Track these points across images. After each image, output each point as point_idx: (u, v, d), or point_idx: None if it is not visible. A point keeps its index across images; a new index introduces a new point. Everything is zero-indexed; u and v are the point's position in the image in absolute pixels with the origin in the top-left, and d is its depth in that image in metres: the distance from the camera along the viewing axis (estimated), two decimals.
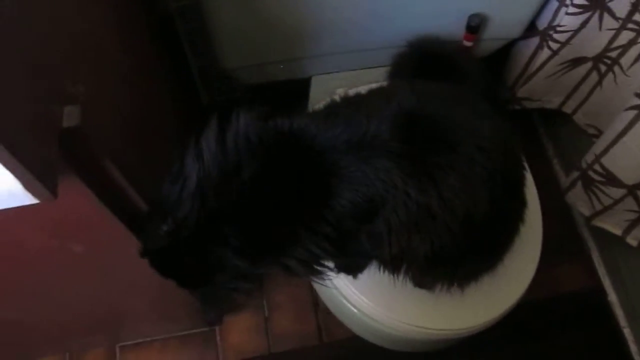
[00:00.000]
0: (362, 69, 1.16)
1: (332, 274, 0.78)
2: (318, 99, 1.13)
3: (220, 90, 1.41)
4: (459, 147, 0.71)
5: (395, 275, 0.84)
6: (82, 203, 0.59)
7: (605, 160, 1.07)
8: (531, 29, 1.17)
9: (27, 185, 0.45)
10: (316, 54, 1.11)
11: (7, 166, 0.42)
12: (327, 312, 1.32)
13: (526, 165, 0.90)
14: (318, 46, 1.08)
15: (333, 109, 0.74)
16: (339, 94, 1.10)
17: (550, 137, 1.55)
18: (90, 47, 0.63)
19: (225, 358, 1.30)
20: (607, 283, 1.39)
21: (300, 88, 1.21)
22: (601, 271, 1.40)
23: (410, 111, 0.70)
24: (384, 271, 0.85)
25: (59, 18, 0.55)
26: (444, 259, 0.79)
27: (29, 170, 0.44)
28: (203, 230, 0.62)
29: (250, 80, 1.19)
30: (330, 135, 0.68)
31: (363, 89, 0.80)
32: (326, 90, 1.14)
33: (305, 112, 0.77)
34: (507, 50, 1.28)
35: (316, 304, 1.34)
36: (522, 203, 0.87)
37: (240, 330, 1.33)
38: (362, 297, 0.94)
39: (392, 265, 0.82)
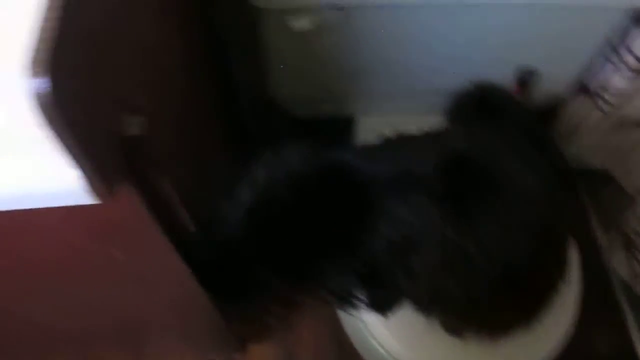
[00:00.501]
0: (409, 113, 1.17)
1: (362, 309, 0.78)
2: (363, 138, 1.15)
3: (268, 121, 1.45)
4: (503, 196, 0.71)
5: (427, 317, 0.83)
6: (131, 211, 0.61)
7: None
8: (583, 88, 1.17)
9: (89, 185, 0.47)
10: (365, 93, 1.13)
11: (76, 162, 0.44)
12: (351, 351, 1.30)
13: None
14: (368, 86, 1.10)
15: (380, 145, 0.75)
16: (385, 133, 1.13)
17: (590, 196, 1.53)
18: (156, 63, 0.66)
19: None
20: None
21: (346, 125, 1.23)
22: (635, 336, 1.35)
23: (458, 154, 0.71)
24: (416, 312, 0.84)
25: (135, 33, 0.57)
26: (477, 306, 0.78)
27: (94, 170, 0.46)
28: (249, 249, 0.63)
29: (298, 113, 1.21)
30: (374, 170, 0.68)
31: (415, 130, 0.81)
32: (372, 130, 1.15)
33: (351, 146, 0.78)
34: (557, 107, 1.28)
35: (341, 343, 1.32)
36: (563, 261, 0.86)
37: None
38: (390, 337, 0.93)
39: (425, 306, 0.81)
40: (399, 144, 0.75)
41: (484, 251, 0.70)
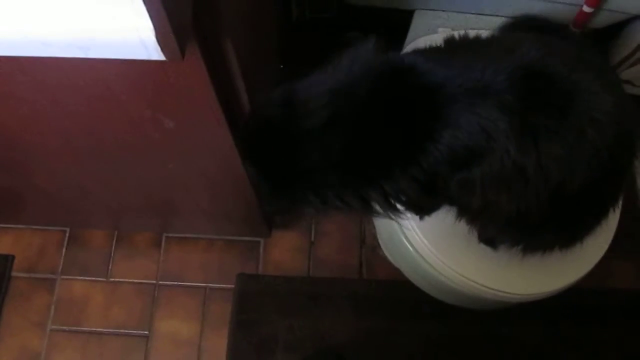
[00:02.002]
0: (468, 12, 1.11)
1: (403, 213, 0.77)
2: (417, 34, 1.09)
3: (312, 7, 1.38)
4: (572, 115, 0.67)
5: (470, 226, 0.82)
6: (192, 76, 0.58)
7: None
8: None
9: (161, 39, 0.45)
10: None
11: (151, 11, 0.41)
12: (372, 250, 1.32)
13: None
14: None
15: (450, 49, 0.71)
16: (441, 33, 1.07)
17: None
18: None
19: (265, 271, 1.33)
20: None
21: (398, 19, 1.17)
22: None
23: (532, 66, 0.67)
24: (459, 219, 0.83)
25: None
26: (524, 222, 0.77)
27: (170, 22, 0.43)
28: (314, 132, 0.61)
29: (348, 0, 1.15)
30: (443, 76, 0.65)
31: (483, 33, 0.76)
32: (428, 27, 1.09)
33: (422, 50, 0.74)
34: (620, 27, 1.20)
35: (363, 240, 1.35)
36: (619, 189, 0.84)
37: (284, 248, 1.35)
38: (422, 237, 0.93)
39: (471, 216, 0.80)
40: (470, 49, 0.71)
41: (542, 172, 0.68)
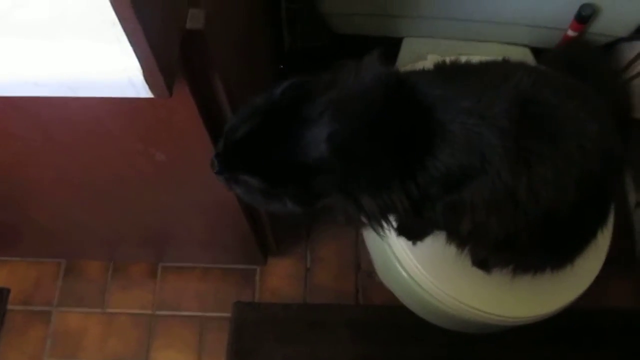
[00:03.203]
0: (456, 39, 1.13)
1: (391, 233, 0.78)
2: (407, 61, 1.11)
3: (304, 37, 1.40)
4: (561, 141, 0.69)
5: (459, 250, 0.83)
6: (181, 110, 0.60)
7: None
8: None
9: (149, 77, 0.46)
10: (414, 14, 1.08)
11: (138, 51, 0.43)
12: (368, 275, 1.32)
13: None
14: (418, 7, 1.06)
15: (443, 73, 0.73)
16: (430, 59, 1.09)
17: (628, 149, 1.49)
18: None
19: (261, 298, 1.33)
20: None
21: (388, 46, 1.19)
22: None
23: (525, 93, 0.69)
24: (449, 244, 0.84)
25: None
26: (513, 245, 0.77)
27: (156, 61, 0.44)
28: (320, 133, 0.61)
29: (341, 29, 1.17)
30: (442, 95, 0.67)
31: (474, 59, 0.78)
32: (417, 53, 1.11)
33: (421, 70, 0.76)
34: (608, 49, 1.23)
35: (358, 265, 1.35)
36: (606, 212, 0.85)
37: (280, 275, 1.35)
38: (415, 263, 0.94)
39: (460, 239, 0.81)
40: (465, 73, 0.72)
41: (532, 195, 0.69)
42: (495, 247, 0.80)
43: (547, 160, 0.68)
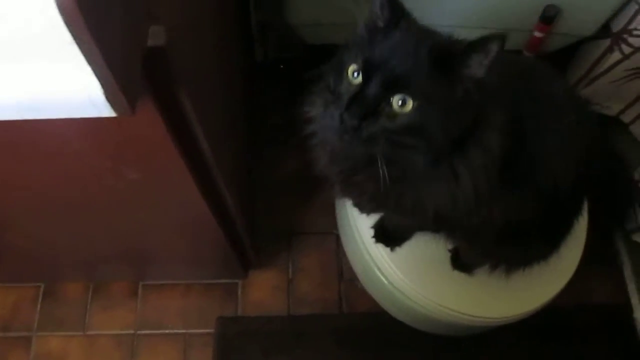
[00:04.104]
0: None
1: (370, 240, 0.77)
2: None
3: (276, 48, 1.41)
4: (559, 116, 0.74)
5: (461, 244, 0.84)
6: (148, 127, 0.59)
7: None
8: (605, 29, 1.14)
9: (110, 96, 0.45)
10: None
11: (97, 70, 0.42)
12: (351, 283, 1.32)
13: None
14: None
15: None
16: None
17: (602, 144, 1.52)
18: None
19: (244, 312, 1.32)
20: (635, 300, 1.36)
21: None
22: (631, 287, 1.37)
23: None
24: (451, 244, 0.84)
25: None
26: (509, 237, 0.78)
27: (116, 81, 0.44)
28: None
29: (311, 40, 1.18)
30: None
31: None
32: None
33: None
34: (574, 48, 1.25)
35: (341, 274, 1.35)
36: (582, 199, 0.86)
37: (263, 287, 1.34)
38: (395, 269, 0.94)
39: (466, 235, 0.81)
40: None
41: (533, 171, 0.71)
42: (495, 242, 0.81)
43: (542, 137, 0.70)
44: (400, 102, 0.59)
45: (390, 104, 0.59)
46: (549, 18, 1.05)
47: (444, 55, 0.59)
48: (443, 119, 0.60)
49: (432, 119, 0.60)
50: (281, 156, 1.46)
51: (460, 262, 0.92)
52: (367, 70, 0.60)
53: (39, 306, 1.35)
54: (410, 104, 0.59)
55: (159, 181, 0.74)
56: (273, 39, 1.35)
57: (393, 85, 0.59)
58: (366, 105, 0.60)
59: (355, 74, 0.61)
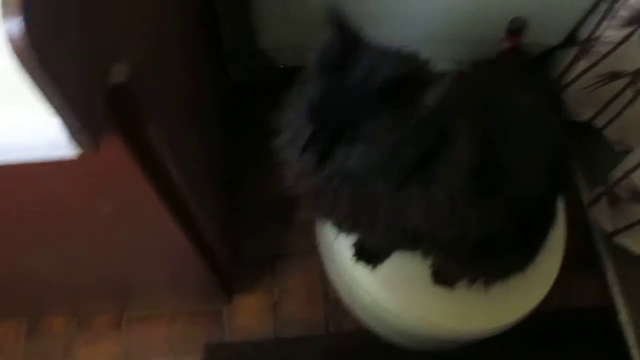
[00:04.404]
0: None
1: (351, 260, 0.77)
2: None
3: (249, 72, 1.41)
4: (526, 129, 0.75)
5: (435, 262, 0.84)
6: (118, 162, 0.59)
7: (634, 178, 1.05)
8: (571, 38, 1.16)
9: (72, 136, 0.45)
10: None
11: (58, 112, 0.42)
12: (337, 303, 1.32)
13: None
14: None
15: None
16: None
17: (576, 150, 1.53)
18: (141, 9, 0.63)
19: (231, 338, 1.31)
20: (620, 302, 1.37)
21: None
22: (615, 290, 1.38)
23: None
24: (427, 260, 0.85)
25: None
26: (484, 251, 0.79)
27: (77, 120, 0.44)
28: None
29: (282, 62, 1.19)
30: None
31: None
32: None
33: None
34: (544, 58, 1.27)
35: (326, 294, 1.34)
36: (555, 206, 0.87)
37: (248, 312, 1.33)
38: (378, 286, 0.94)
39: (440, 248, 0.81)
40: None
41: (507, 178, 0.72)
42: (470, 255, 0.81)
43: (513, 149, 0.71)
44: (348, 150, 0.60)
45: (342, 150, 0.60)
46: (515, 30, 1.06)
47: (396, 89, 0.59)
48: (398, 150, 0.61)
49: (386, 155, 0.61)
50: (262, 177, 1.45)
51: (441, 277, 0.92)
52: (314, 118, 0.61)
53: (22, 343, 1.33)
54: (359, 149, 0.60)
55: (133, 214, 0.74)
56: (246, 63, 1.35)
57: (339, 135, 0.60)
58: (319, 151, 0.61)
59: (305, 117, 0.62)
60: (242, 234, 1.39)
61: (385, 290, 0.94)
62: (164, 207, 0.70)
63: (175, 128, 0.72)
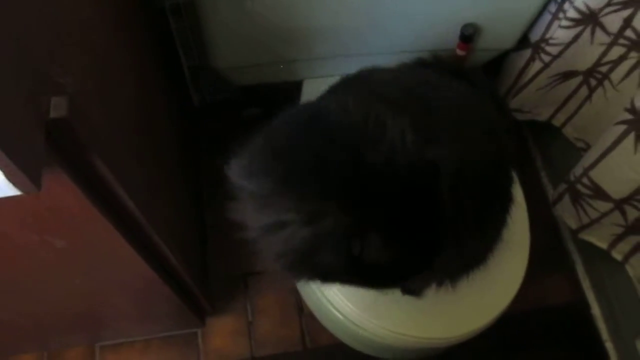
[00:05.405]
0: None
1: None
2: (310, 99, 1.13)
3: (212, 91, 1.41)
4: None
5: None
6: (66, 197, 0.58)
7: (593, 174, 1.07)
8: (524, 41, 1.18)
9: (10, 176, 0.44)
10: (309, 57, 1.11)
11: None
12: (312, 317, 1.31)
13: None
14: (312, 50, 1.08)
15: None
16: None
17: (539, 150, 1.56)
18: (82, 38, 0.62)
19: None
20: (591, 297, 1.39)
21: (292, 91, 1.21)
22: (585, 285, 1.40)
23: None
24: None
25: (47, 3, 0.53)
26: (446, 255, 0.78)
27: (13, 161, 0.43)
28: None
29: (241, 82, 1.18)
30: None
31: None
32: (318, 93, 1.13)
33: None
34: (500, 61, 1.28)
35: (301, 309, 1.33)
36: (510, 194, 0.88)
37: (222, 333, 1.31)
38: (347, 302, 0.94)
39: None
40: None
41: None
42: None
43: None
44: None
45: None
46: (467, 37, 1.08)
47: None
48: None
49: None
50: (230, 196, 1.44)
51: (408, 287, 0.92)
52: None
53: None
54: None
55: (90, 246, 0.72)
56: (206, 83, 1.35)
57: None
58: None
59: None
60: (211, 254, 1.38)
61: (354, 305, 0.93)
62: (121, 238, 0.69)
63: (126, 157, 0.71)
